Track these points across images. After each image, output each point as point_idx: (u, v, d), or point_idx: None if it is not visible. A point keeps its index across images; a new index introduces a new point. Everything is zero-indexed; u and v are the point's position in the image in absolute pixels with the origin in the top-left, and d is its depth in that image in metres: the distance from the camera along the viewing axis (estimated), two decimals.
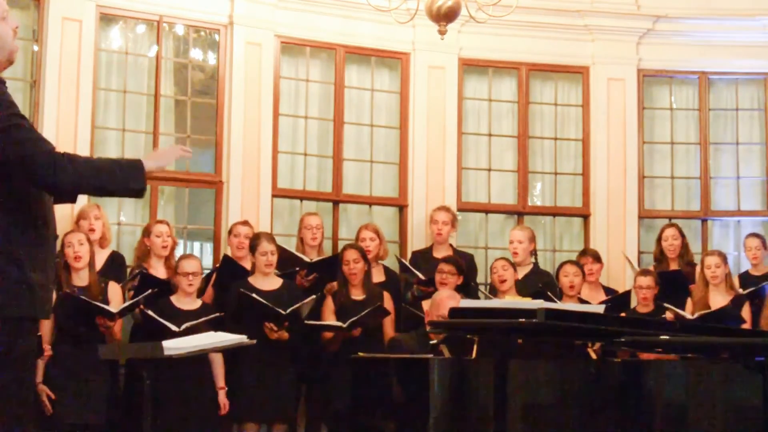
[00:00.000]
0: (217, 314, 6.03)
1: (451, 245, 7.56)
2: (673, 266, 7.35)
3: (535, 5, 8.18)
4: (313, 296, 6.30)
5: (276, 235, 7.26)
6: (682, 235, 7.48)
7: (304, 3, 7.97)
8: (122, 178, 3.25)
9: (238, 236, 6.81)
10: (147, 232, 6.69)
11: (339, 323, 6.28)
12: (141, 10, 7.55)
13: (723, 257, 6.93)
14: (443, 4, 6.32)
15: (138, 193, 3.32)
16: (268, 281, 6.43)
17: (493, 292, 7.03)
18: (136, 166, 3.28)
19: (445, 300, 5.79)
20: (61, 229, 6.56)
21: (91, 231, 6.39)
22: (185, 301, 6.12)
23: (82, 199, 6.51)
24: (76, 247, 5.97)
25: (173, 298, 6.14)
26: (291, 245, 7.16)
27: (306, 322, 6.31)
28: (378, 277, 7.00)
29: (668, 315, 6.62)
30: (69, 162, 3.15)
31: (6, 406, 3.14)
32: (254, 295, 6.11)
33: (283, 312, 6.05)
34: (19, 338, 3.17)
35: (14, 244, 3.13)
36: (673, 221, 8.09)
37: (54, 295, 3.50)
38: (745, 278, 7.30)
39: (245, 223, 6.98)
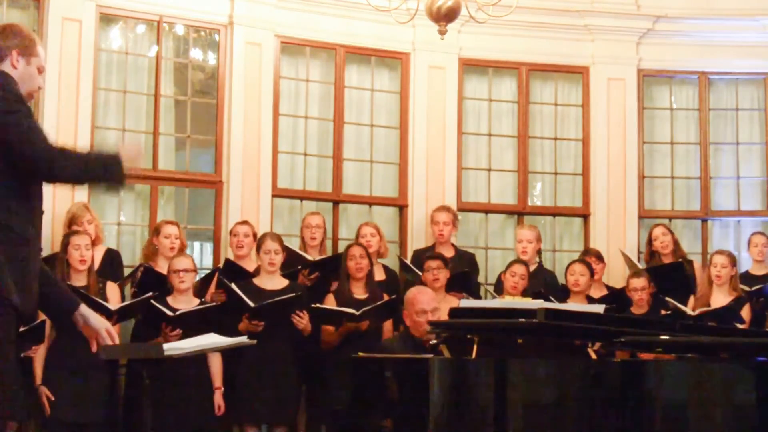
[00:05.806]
0: (212, 303, 6.06)
1: (453, 245, 7.56)
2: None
3: (535, 5, 8.17)
4: (293, 294, 6.24)
5: None
6: (671, 233, 7.52)
7: (304, 3, 7.96)
8: (105, 174, 3.40)
9: (237, 235, 6.80)
10: (156, 231, 6.67)
11: (352, 310, 6.24)
12: (141, 10, 7.54)
13: (732, 259, 6.87)
14: (443, 4, 6.32)
15: (119, 186, 3.48)
16: (273, 281, 6.42)
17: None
18: (115, 159, 3.39)
19: (416, 296, 5.78)
20: (56, 230, 6.61)
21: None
22: (182, 300, 6.12)
23: (68, 201, 6.56)
24: (83, 250, 5.98)
25: (170, 299, 6.13)
26: (291, 245, 7.15)
27: (317, 305, 6.30)
28: (378, 275, 7.00)
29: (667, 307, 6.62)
30: (65, 158, 3.29)
31: None
32: (233, 285, 6.12)
33: (252, 305, 6.05)
34: None
35: None
36: (665, 222, 8.12)
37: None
38: (746, 278, 7.28)
39: (244, 222, 6.97)
